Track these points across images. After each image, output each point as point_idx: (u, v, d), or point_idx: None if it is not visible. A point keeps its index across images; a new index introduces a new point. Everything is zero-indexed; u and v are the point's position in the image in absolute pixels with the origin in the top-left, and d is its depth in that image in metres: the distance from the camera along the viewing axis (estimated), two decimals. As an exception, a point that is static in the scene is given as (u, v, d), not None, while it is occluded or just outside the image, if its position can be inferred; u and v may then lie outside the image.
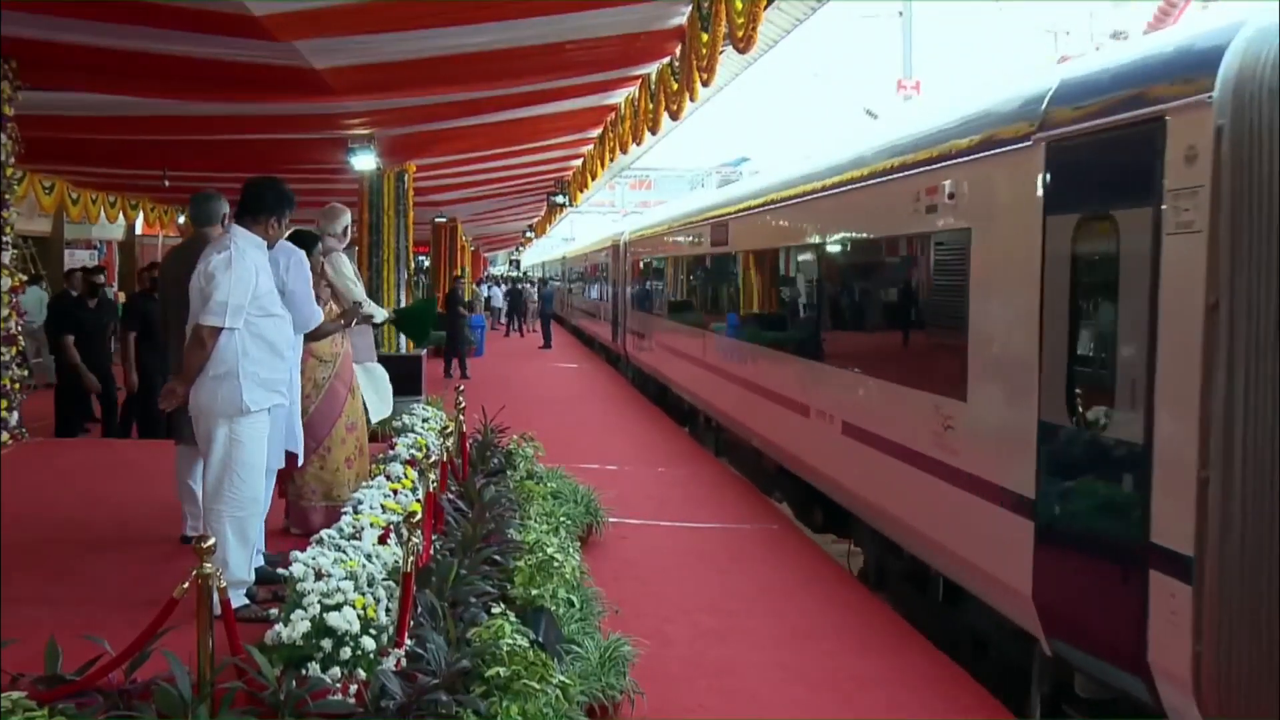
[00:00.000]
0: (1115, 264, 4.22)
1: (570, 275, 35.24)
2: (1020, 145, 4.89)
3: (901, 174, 6.32)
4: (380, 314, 7.01)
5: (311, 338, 5.54)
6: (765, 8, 6.83)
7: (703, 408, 12.55)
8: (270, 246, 4.76)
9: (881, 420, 6.55)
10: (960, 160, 5.57)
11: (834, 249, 7.85)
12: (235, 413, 4.46)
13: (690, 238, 13.30)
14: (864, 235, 7.30)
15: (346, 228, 6.65)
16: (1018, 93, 5.20)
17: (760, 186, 10.29)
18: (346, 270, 6.40)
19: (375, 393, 6.60)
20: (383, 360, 7.35)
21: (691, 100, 9.06)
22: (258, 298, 4.51)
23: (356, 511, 4.68)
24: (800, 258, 8.71)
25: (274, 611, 3.75)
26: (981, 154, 5.34)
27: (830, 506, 7.87)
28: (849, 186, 7.28)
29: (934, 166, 5.87)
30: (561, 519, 6.33)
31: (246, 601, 4.48)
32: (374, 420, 6.50)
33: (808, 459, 8.07)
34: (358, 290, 6.43)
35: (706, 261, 12.42)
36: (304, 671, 3.35)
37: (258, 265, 4.55)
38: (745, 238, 10.43)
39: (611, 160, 14.00)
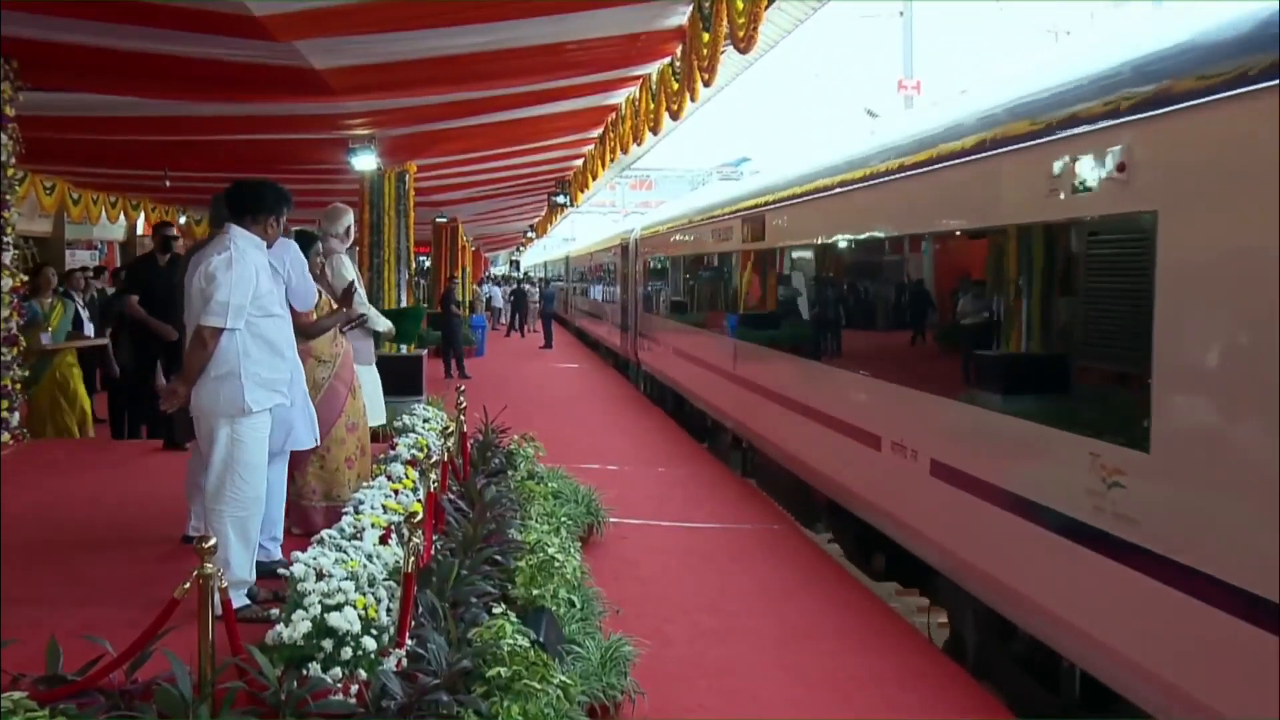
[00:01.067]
0: None
1: (574, 276, 33.38)
2: (1250, 89, 3.49)
3: (1027, 143, 4.82)
4: (383, 324, 7.03)
5: (308, 336, 5.55)
6: (766, 8, 6.82)
7: (731, 426, 10.99)
8: (269, 245, 4.77)
9: (994, 464, 5.08)
10: (1136, 118, 4.05)
11: (917, 245, 6.38)
12: (237, 413, 4.47)
13: (714, 233, 11.76)
14: (963, 226, 5.76)
15: (349, 228, 6.65)
16: (1238, 15, 3.69)
17: (805, 172, 8.51)
18: (348, 273, 6.40)
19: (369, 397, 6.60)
20: (383, 360, 7.36)
21: (692, 100, 9.06)
22: (258, 298, 4.52)
23: (358, 512, 4.68)
24: (869, 256, 7.15)
25: (275, 612, 3.76)
26: (1177, 106, 3.84)
27: (896, 552, 6.54)
28: (936, 165, 5.85)
29: (1087, 129, 4.35)
30: (562, 519, 6.33)
31: (247, 601, 4.48)
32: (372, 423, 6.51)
33: (874, 499, 6.66)
34: (358, 296, 6.41)
35: (737, 259, 10.75)
36: (305, 672, 3.36)
37: (258, 265, 4.56)
38: (789, 232, 8.88)
39: (612, 160, 14.00)
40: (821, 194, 7.97)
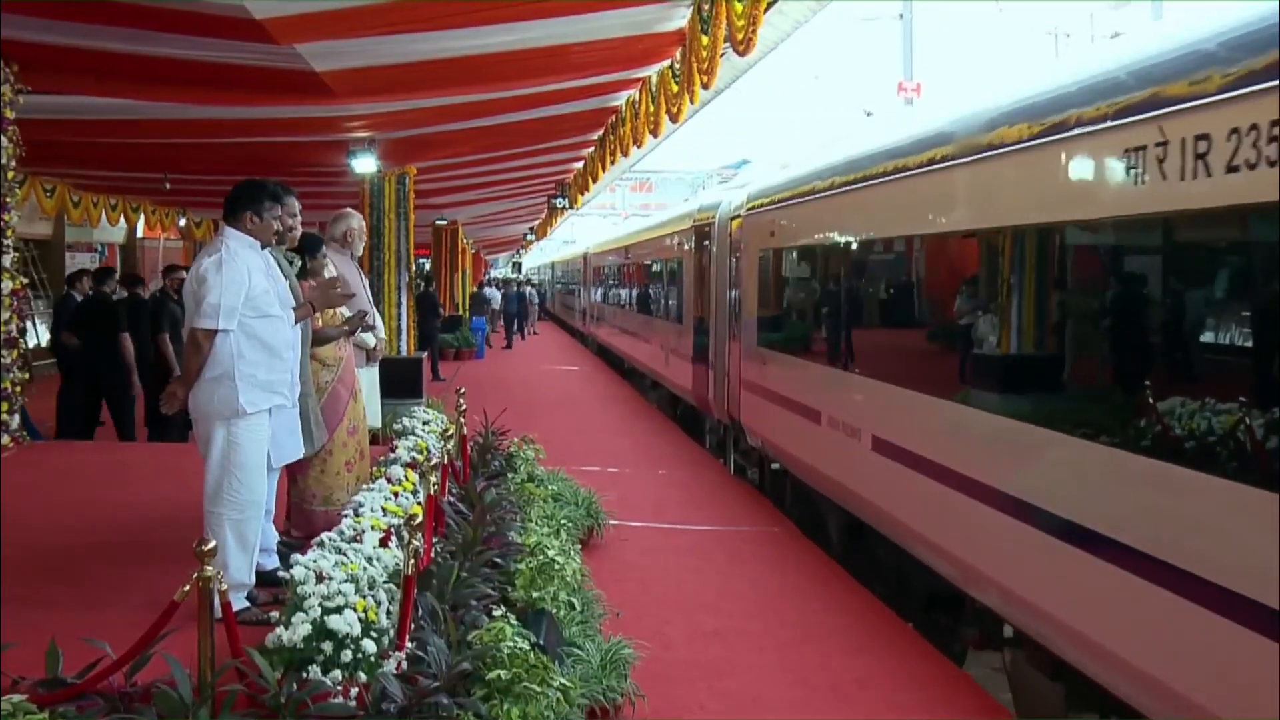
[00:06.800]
0: None
1: (596, 279, 25.85)
2: None
3: None
4: (381, 332, 7.06)
5: (315, 343, 5.54)
6: (765, 10, 6.83)
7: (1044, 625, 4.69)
8: (263, 245, 4.72)
9: None
10: None
11: None
12: (232, 414, 4.46)
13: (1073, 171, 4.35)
14: None
15: (345, 233, 6.63)
16: None
17: None
18: (327, 271, 6.23)
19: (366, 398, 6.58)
20: (383, 362, 7.34)
21: (692, 103, 9.06)
22: (252, 299, 4.48)
23: (357, 514, 4.68)
24: None
25: (274, 614, 3.76)
26: None
27: None
28: None
29: None
30: (562, 521, 6.33)
31: (247, 604, 4.48)
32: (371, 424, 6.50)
33: None
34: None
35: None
36: (305, 674, 3.36)
37: (251, 266, 4.52)
38: None
39: (612, 163, 14.01)
40: None
